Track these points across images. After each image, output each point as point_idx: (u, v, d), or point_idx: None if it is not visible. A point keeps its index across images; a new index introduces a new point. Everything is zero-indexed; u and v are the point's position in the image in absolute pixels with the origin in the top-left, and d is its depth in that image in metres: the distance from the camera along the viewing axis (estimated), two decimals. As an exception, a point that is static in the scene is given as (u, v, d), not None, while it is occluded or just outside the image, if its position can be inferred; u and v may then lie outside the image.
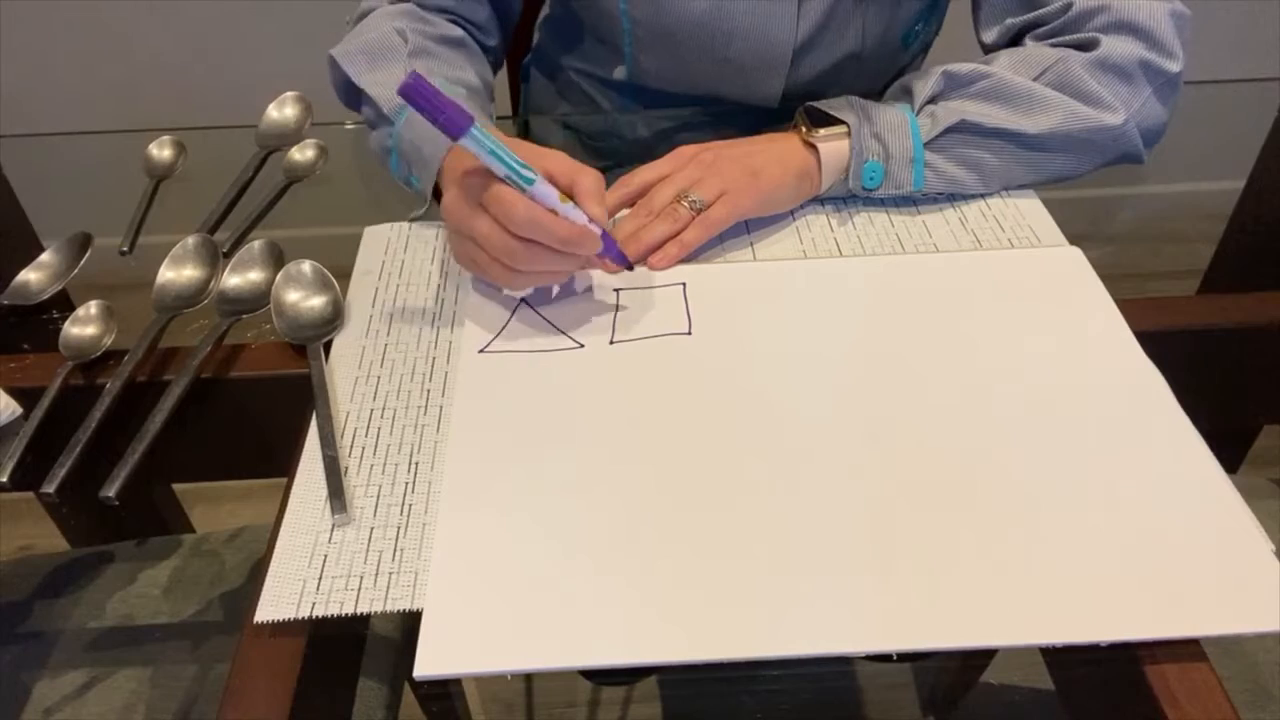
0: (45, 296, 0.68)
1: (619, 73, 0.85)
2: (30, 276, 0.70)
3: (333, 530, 0.50)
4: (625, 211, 0.69)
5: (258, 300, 0.64)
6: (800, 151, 0.69)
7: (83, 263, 0.71)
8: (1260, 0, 1.60)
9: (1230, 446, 0.55)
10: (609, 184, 0.63)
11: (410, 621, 0.46)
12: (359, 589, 0.47)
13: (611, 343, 0.61)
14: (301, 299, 0.64)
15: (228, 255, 0.69)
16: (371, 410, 0.57)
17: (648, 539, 0.49)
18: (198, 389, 0.59)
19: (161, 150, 0.83)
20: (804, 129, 0.69)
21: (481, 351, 0.61)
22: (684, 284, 0.65)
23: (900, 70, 0.87)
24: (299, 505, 0.52)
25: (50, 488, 0.53)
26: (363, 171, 0.85)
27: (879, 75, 0.85)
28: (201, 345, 0.61)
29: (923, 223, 0.70)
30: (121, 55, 1.58)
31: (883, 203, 0.72)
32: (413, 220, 0.72)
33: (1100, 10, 0.69)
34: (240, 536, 0.67)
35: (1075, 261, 0.66)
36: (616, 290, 0.65)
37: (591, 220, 0.57)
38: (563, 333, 0.62)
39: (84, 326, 0.63)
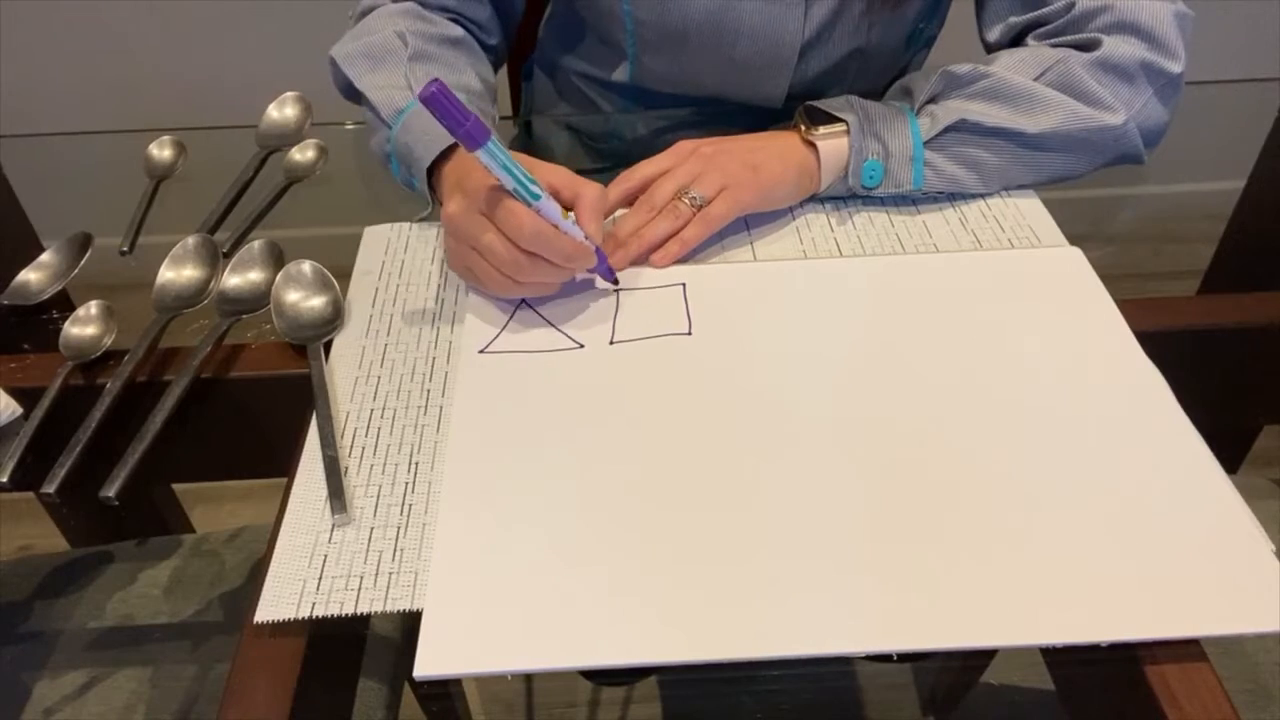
0: (45, 296, 0.68)
1: (621, 74, 0.85)
2: (30, 276, 0.70)
3: (333, 530, 0.50)
4: (623, 211, 0.69)
5: (258, 300, 0.65)
6: (800, 148, 0.69)
7: (83, 263, 0.71)
8: (1260, 0, 1.60)
9: (1230, 446, 0.55)
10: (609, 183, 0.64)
11: (410, 621, 0.46)
12: (359, 589, 0.47)
13: (611, 343, 0.61)
14: (301, 299, 0.64)
15: (228, 255, 0.69)
16: (371, 410, 0.57)
17: (648, 539, 0.49)
18: (198, 389, 0.59)
19: (161, 150, 0.83)
20: (803, 127, 0.69)
21: (482, 351, 0.61)
22: (684, 284, 0.65)
23: (903, 68, 0.87)
24: (299, 505, 0.52)
25: (50, 488, 0.53)
26: (363, 171, 0.85)
27: (882, 73, 0.85)
28: (201, 345, 0.61)
29: (923, 223, 0.70)
30: (121, 55, 1.58)
31: (882, 202, 0.72)
32: (417, 221, 0.72)
33: (1103, 10, 0.69)
34: (240, 536, 0.67)
35: (1075, 262, 0.66)
36: (617, 291, 0.65)
37: (587, 237, 0.59)
38: (563, 333, 0.62)
39: (84, 326, 0.63)
